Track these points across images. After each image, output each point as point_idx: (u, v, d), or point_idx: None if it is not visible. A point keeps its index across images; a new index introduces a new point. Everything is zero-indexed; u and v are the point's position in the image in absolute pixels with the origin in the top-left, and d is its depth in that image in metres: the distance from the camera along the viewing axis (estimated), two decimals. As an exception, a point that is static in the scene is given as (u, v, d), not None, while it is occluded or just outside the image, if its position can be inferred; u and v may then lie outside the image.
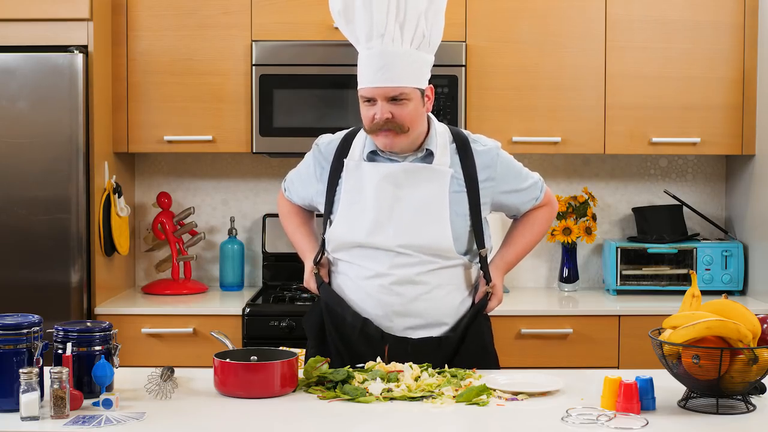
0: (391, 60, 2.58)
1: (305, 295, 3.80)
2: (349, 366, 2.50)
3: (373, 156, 2.71)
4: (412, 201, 2.65)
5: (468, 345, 2.72)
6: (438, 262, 2.68)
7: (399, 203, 2.65)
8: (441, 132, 2.72)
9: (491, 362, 2.78)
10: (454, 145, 2.72)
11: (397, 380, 2.41)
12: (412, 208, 2.65)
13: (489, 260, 2.77)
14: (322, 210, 2.78)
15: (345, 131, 2.82)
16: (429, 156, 2.69)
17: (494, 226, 4.09)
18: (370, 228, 2.65)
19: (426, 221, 2.65)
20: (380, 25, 2.59)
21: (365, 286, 2.68)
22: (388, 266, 2.65)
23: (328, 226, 2.74)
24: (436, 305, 2.69)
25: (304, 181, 2.86)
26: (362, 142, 2.73)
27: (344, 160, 2.73)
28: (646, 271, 4.02)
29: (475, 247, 2.73)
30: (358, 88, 2.66)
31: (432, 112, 3.78)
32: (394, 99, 2.58)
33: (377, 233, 2.65)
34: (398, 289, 2.66)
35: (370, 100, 2.61)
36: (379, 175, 2.66)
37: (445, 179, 2.66)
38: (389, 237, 2.64)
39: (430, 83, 2.69)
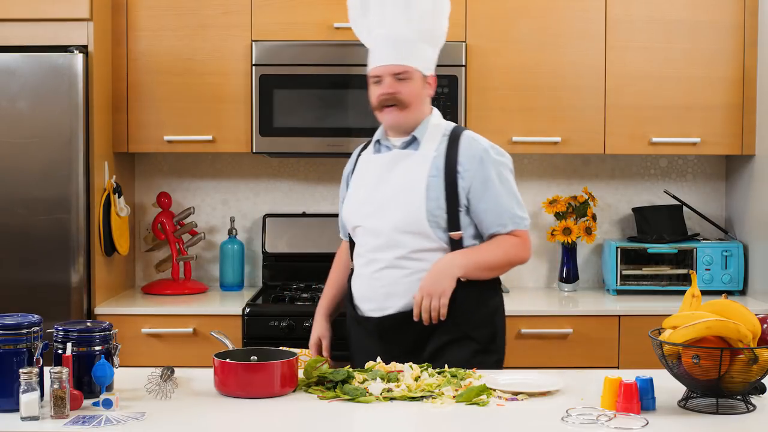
0: (398, 43, 2.85)
1: (305, 295, 3.80)
2: (348, 366, 2.50)
3: (378, 146, 2.96)
4: (393, 184, 2.85)
5: (444, 329, 2.77)
6: (417, 245, 2.78)
7: (383, 186, 2.86)
8: (437, 124, 2.90)
9: (470, 347, 2.78)
10: (447, 137, 2.86)
11: (397, 380, 2.41)
12: (391, 190, 2.84)
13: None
14: None
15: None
16: (417, 143, 2.88)
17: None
18: (361, 210, 2.89)
19: (402, 202, 2.81)
20: (391, 15, 2.87)
21: (361, 273, 2.89)
22: (373, 248, 2.84)
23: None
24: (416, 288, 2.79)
25: (342, 195, 3.09)
26: (376, 137, 2.99)
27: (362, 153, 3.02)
28: (646, 271, 4.02)
29: (464, 234, 2.82)
30: (368, 70, 2.90)
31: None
32: (399, 77, 2.83)
33: (366, 215, 2.87)
34: (384, 272, 2.82)
35: (378, 80, 2.86)
36: (375, 162, 2.93)
37: (425, 164, 2.82)
38: (374, 218, 2.85)
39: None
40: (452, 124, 2.93)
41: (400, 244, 2.80)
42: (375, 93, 2.88)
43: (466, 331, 2.79)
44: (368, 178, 2.92)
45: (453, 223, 2.80)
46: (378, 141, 2.96)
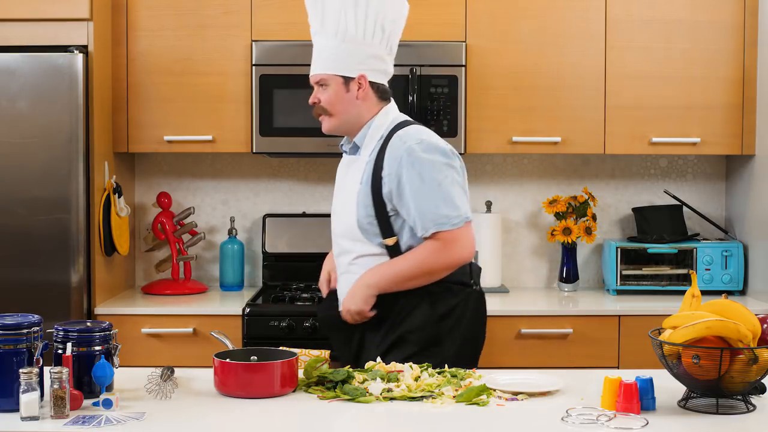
0: (317, 51, 2.89)
1: (305, 295, 3.80)
2: (349, 366, 2.50)
3: (341, 148, 2.99)
4: (341, 191, 2.91)
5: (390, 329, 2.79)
6: (362, 251, 2.80)
7: (338, 192, 2.93)
8: (379, 125, 2.85)
9: (406, 350, 2.76)
10: (383, 140, 2.82)
11: (397, 380, 2.41)
12: (339, 197, 2.91)
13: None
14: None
15: None
16: (357, 149, 2.89)
17: (494, 226, 4.10)
18: (333, 218, 2.95)
19: (343, 210, 2.86)
20: (314, 21, 2.89)
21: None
22: (335, 253, 2.93)
23: None
24: None
25: None
26: None
27: None
28: (646, 271, 4.02)
29: (401, 238, 2.79)
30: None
31: (432, 112, 3.81)
32: (320, 85, 2.87)
33: (332, 221, 2.95)
34: (341, 277, 2.90)
35: (313, 89, 2.91)
36: (339, 167, 2.99)
37: (360, 171, 2.83)
38: (333, 223, 2.93)
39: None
40: (397, 120, 2.86)
41: (347, 250, 2.85)
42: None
43: (402, 334, 2.78)
44: (336, 182, 2.98)
45: (385, 229, 2.77)
46: (341, 143, 3.00)
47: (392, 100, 2.93)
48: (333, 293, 2.96)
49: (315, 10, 2.87)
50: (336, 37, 2.83)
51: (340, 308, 2.83)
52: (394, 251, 2.78)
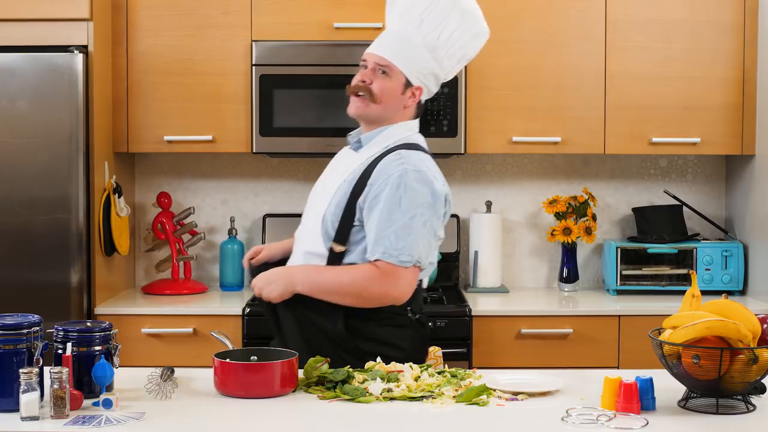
0: (397, 38, 2.80)
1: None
2: (348, 366, 2.50)
3: (348, 139, 2.93)
4: (325, 180, 2.86)
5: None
6: (310, 248, 2.75)
7: (324, 179, 2.89)
8: (392, 135, 2.79)
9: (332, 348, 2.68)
10: (386, 150, 2.75)
11: (397, 380, 2.41)
12: (321, 185, 2.86)
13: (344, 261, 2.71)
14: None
15: None
16: (360, 147, 2.84)
17: (494, 226, 4.10)
18: (307, 205, 2.90)
19: (317, 201, 2.81)
20: (409, 11, 2.80)
21: None
22: (297, 235, 2.89)
23: None
24: None
25: None
26: None
27: None
28: (646, 271, 4.02)
29: (350, 250, 2.71)
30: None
31: (432, 112, 3.81)
32: (381, 69, 2.77)
33: (306, 206, 2.90)
34: (291, 259, 2.86)
35: (364, 65, 2.82)
36: (336, 157, 2.96)
37: (351, 169, 2.76)
38: (306, 211, 2.87)
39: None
40: (410, 139, 2.79)
41: (303, 243, 2.80)
42: (356, 77, 2.82)
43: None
44: (327, 170, 2.93)
45: (341, 235, 2.69)
46: (350, 134, 2.93)
47: (418, 120, 2.88)
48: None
49: (414, 2, 2.79)
50: (425, 38, 2.78)
51: (252, 283, 2.76)
52: (334, 260, 2.70)
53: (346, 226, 2.69)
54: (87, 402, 2.26)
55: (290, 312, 2.73)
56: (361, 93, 2.78)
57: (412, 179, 2.65)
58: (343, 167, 2.81)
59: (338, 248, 2.69)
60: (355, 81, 2.80)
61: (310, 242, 2.77)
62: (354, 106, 2.81)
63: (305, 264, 2.75)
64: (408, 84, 2.79)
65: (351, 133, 2.92)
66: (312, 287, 2.68)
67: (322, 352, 2.55)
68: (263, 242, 4.16)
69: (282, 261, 2.90)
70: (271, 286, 2.70)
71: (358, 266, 2.68)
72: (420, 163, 2.71)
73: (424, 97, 2.85)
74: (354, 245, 2.71)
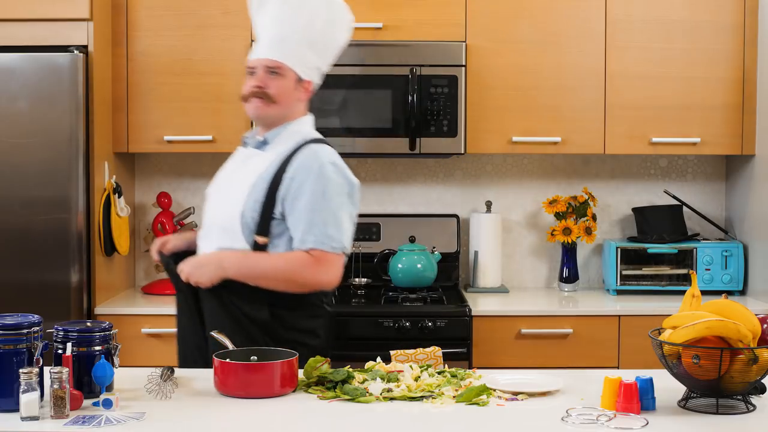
0: (278, 39, 2.87)
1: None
2: (349, 366, 2.50)
3: (243, 140, 2.97)
4: (233, 181, 2.87)
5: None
6: (226, 243, 2.78)
7: (228, 181, 2.91)
8: (297, 131, 2.88)
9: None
10: (297, 146, 2.82)
11: (397, 380, 2.41)
12: (227, 186, 2.88)
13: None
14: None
15: None
16: (266, 145, 2.88)
17: (494, 226, 4.10)
18: (209, 200, 2.95)
19: (228, 199, 2.82)
20: (280, 13, 2.89)
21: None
22: (200, 236, 2.91)
23: None
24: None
25: None
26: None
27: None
28: (646, 271, 4.02)
29: (272, 242, 2.76)
30: (247, 61, 2.93)
31: (432, 112, 3.81)
32: (271, 71, 2.84)
33: (208, 205, 2.94)
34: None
35: (252, 72, 2.88)
36: (235, 156, 2.98)
37: (262, 166, 2.81)
38: (209, 209, 2.92)
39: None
40: (313, 135, 2.90)
41: (213, 239, 2.82)
42: (246, 84, 2.88)
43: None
44: (225, 171, 2.97)
45: (263, 228, 2.75)
46: (246, 135, 2.98)
47: (312, 115, 2.98)
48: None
49: (284, 5, 2.88)
50: (302, 34, 2.87)
51: (179, 268, 2.79)
52: (257, 250, 2.76)
53: (266, 219, 2.75)
54: (87, 402, 2.26)
55: (215, 297, 2.76)
56: (258, 96, 2.86)
57: (331, 171, 2.78)
58: (252, 166, 2.85)
59: (261, 239, 2.75)
60: (247, 89, 2.87)
61: (224, 239, 2.80)
62: (252, 108, 2.87)
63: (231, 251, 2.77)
64: (299, 80, 2.87)
65: (247, 134, 2.98)
66: (246, 272, 2.73)
67: (244, 338, 2.64)
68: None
69: (187, 252, 2.94)
70: (201, 270, 2.74)
71: (292, 253, 2.74)
72: (333, 156, 2.84)
73: (313, 90, 2.95)
74: (275, 238, 2.76)
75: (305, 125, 2.93)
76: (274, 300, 2.76)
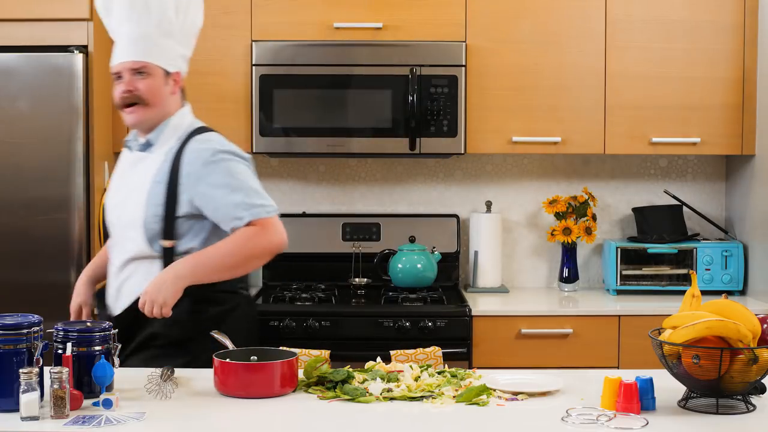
0: (137, 39, 2.82)
1: (305, 295, 3.79)
2: (349, 366, 2.50)
3: (126, 143, 2.94)
4: (127, 187, 2.84)
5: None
6: (136, 251, 2.77)
7: (121, 188, 2.87)
8: (177, 125, 2.86)
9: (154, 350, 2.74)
10: (182, 141, 2.82)
11: (397, 380, 2.41)
12: (124, 193, 2.85)
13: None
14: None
15: None
16: (151, 146, 2.85)
17: (494, 226, 4.10)
18: (108, 208, 2.91)
19: (127, 207, 2.80)
20: (129, 12, 2.83)
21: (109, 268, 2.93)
22: (110, 246, 2.90)
23: None
24: (135, 292, 2.75)
25: None
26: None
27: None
28: (646, 271, 4.02)
29: (179, 242, 2.76)
30: (111, 67, 2.87)
31: (432, 112, 3.81)
32: (139, 73, 2.80)
33: (110, 214, 2.90)
34: (113, 277, 2.86)
35: (119, 77, 2.83)
36: (123, 161, 2.94)
37: (153, 169, 2.79)
38: (112, 218, 2.88)
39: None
40: (195, 125, 2.89)
41: (124, 248, 2.81)
42: (116, 91, 2.84)
43: (153, 331, 2.76)
44: (115, 177, 2.94)
45: (168, 231, 2.75)
46: (128, 138, 2.94)
47: (189, 104, 2.95)
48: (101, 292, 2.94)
49: (132, 2, 2.83)
50: (159, 28, 2.83)
51: (129, 302, 2.75)
52: (169, 255, 2.75)
53: (170, 223, 2.74)
54: (87, 402, 2.26)
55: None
56: (133, 103, 2.81)
57: (223, 153, 2.79)
58: (143, 170, 2.82)
59: (167, 243, 2.75)
60: (118, 96, 2.83)
61: (132, 248, 2.79)
62: (131, 118, 2.83)
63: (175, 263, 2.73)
64: (167, 74, 2.85)
65: (127, 138, 2.94)
66: (205, 270, 2.71)
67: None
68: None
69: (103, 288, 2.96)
70: (161, 292, 2.65)
71: (235, 235, 2.73)
72: (219, 139, 2.84)
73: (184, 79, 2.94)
74: (182, 237, 2.76)
75: (185, 117, 2.90)
76: (195, 296, 2.72)
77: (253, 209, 2.74)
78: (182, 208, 2.75)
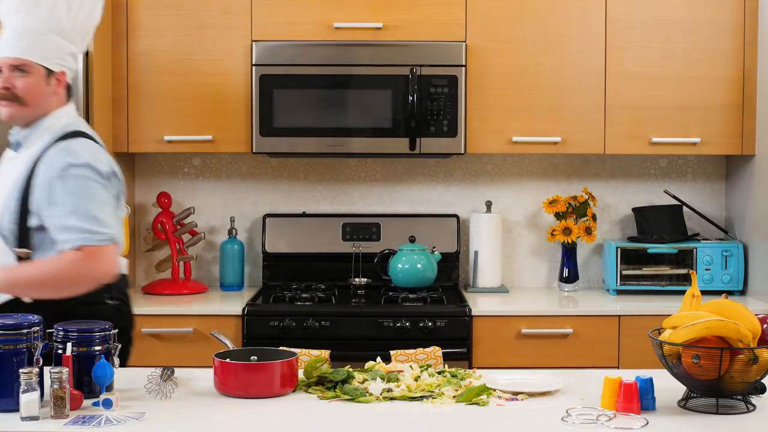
0: (22, 34, 2.71)
1: (305, 295, 3.80)
2: (349, 366, 2.50)
3: (8, 137, 2.82)
4: None
5: None
6: (8, 257, 2.65)
7: None
8: (50, 127, 2.73)
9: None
10: (49, 145, 2.68)
11: (397, 380, 2.41)
12: None
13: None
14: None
15: None
16: (20, 147, 2.75)
17: (494, 226, 4.10)
18: None
19: None
20: (18, 5, 2.72)
21: None
22: None
23: None
24: None
25: None
26: None
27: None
28: (646, 271, 4.02)
29: (35, 253, 2.65)
30: None
31: (432, 112, 3.81)
32: (19, 70, 2.69)
33: None
34: None
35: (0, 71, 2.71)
36: (3, 160, 2.81)
37: (18, 171, 2.67)
38: None
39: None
40: (69, 128, 2.73)
41: None
42: None
43: None
44: None
45: (22, 239, 2.64)
46: (10, 132, 2.83)
47: (73, 104, 2.84)
48: None
49: None
50: (47, 23, 2.72)
51: None
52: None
53: (24, 231, 2.64)
54: (87, 402, 2.26)
55: None
56: (7, 98, 2.71)
57: (77, 167, 2.62)
58: (10, 171, 2.72)
59: (21, 252, 2.64)
60: None
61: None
62: (5, 112, 2.73)
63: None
64: (50, 72, 2.74)
65: (11, 132, 2.82)
66: (15, 285, 2.62)
67: None
68: (263, 242, 4.16)
69: None
70: None
71: (59, 255, 2.60)
72: (81, 150, 2.67)
73: (69, 78, 2.81)
74: (37, 248, 2.65)
75: (60, 118, 2.76)
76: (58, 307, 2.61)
77: (82, 234, 2.58)
78: (33, 220, 2.64)
